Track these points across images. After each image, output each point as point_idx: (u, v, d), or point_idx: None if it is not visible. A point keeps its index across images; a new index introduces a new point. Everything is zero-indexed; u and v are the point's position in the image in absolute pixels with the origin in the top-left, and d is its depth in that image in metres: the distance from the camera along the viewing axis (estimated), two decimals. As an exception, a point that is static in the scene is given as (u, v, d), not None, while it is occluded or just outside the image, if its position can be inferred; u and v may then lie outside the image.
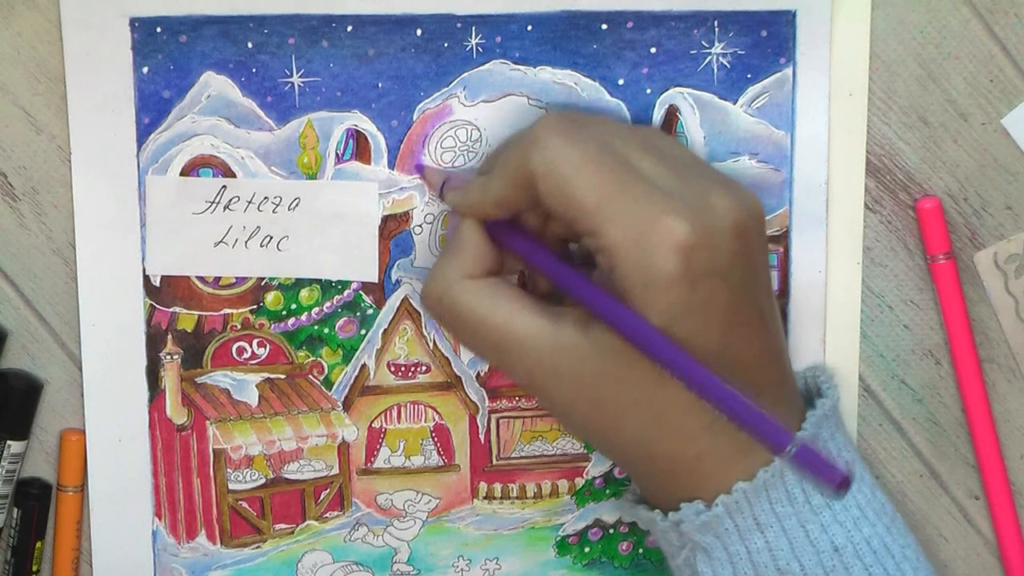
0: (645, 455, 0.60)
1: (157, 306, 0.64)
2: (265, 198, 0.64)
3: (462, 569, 0.68)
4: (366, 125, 0.64)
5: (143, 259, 0.64)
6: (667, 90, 0.65)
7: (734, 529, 0.59)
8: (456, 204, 0.62)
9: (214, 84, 0.63)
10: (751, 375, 0.58)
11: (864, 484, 0.61)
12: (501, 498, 0.68)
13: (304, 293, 0.65)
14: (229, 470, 0.66)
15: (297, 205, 0.64)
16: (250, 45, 0.62)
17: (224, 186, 0.63)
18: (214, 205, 0.64)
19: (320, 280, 0.65)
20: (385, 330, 0.66)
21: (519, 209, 0.60)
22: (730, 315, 0.57)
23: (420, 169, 0.64)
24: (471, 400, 0.67)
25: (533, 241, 0.61)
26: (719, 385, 0.55)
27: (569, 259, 0.62)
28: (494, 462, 0.68)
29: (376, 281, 0.65)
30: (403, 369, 0.66)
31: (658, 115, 0.65)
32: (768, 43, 0.65)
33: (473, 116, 0.64)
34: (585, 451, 0.68)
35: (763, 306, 0.59)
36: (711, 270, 0.56)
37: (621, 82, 0.64)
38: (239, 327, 0.65)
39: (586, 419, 0.60)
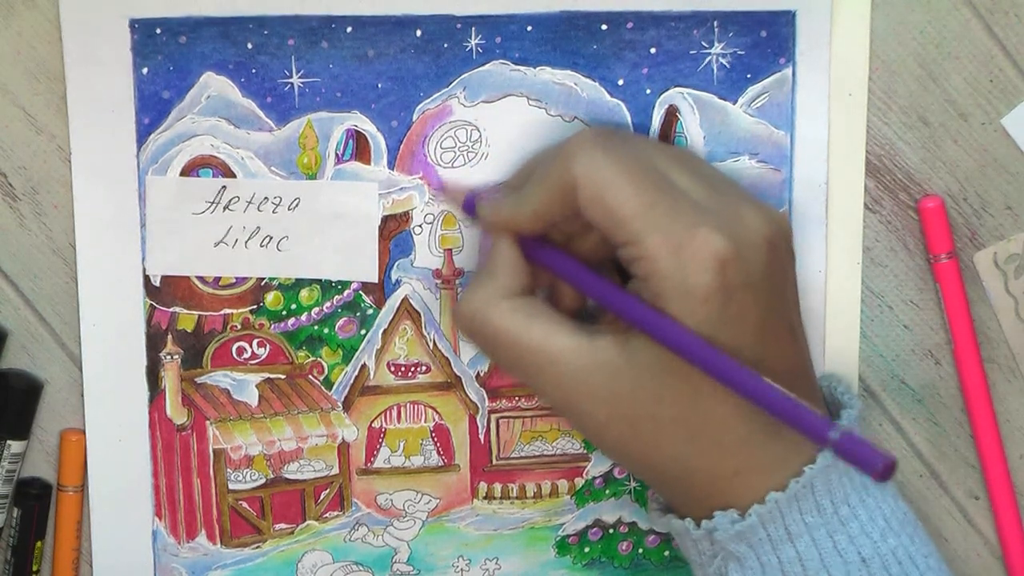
0: (682, 471, 0.60)
1: (157, 306, 0.64)
2: (265, 198, 0.64)
3: (462, 569, 0.68)
4: (366, 125, 0.64)
5: (143, 259, 0.64)
6: (667, 90, 0.65)
7: (767, 539, 0.59)
8: (490, 220, 0.61)
9: (214, 85, 0.63)
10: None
11: (887, 494, 0.61)
12: (501, 498, 0.68)
13: (304, 293, 0.65)
14: (229, 470, 0.66)
15: (297, 205, 0.64)
16: (250, 46, 0.62)
17: (224, 186, 0.63)
18: (214, 205, 0.64)
19: (320, 280, 0.65)
20: (385, 330, 0.66)
21: (555, 222, 0.60)
22: (762, 328, 0.58)
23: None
24: (471, 400, 0.67)
25: (568, 257, 0.61)
26: (766, 385, 0.56)
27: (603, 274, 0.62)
28: (494, 462, 0.68)
29: (376, 281, 0.65)
30: (403, 369, 0.66)
31: (658, 115, 0.65)
32: (768, 43, 0.65)
33: (473, 116, 0.64)
34: (585, 451, 0.68)
35: (793, 320, 0.60)
36: (745, 283, 0.57)
37: (621, 82, 0.64)
38: (239, 327, 0.65)
39: (621, 437, 0.59)
